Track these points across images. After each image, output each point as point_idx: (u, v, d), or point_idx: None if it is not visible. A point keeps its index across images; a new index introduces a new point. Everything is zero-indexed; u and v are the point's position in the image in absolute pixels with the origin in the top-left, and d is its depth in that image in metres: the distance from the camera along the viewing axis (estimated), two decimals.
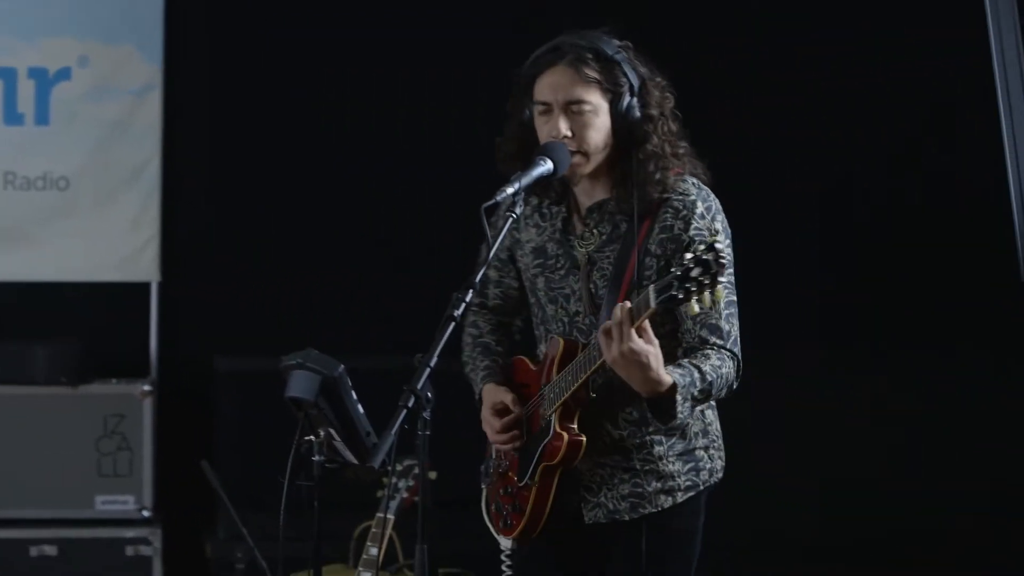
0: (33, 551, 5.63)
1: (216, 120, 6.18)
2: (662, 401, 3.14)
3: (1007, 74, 4.74)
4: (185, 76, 6.14)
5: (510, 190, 3.18)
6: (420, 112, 6.12)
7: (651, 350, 3.06)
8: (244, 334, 5.95)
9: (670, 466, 3.35)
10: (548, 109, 3.30)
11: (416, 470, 4.43)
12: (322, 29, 6.08)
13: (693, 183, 3.33)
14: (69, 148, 6.03)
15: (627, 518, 3.35)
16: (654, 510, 3.35)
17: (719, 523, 3.54)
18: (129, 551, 5.67)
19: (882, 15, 5.76)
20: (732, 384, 3.26)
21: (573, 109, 3.28)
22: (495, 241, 3.17)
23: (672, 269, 2.99)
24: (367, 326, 5.92)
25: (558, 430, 3.29)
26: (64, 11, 6.01)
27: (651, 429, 3.33)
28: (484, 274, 3.18)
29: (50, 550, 5.63)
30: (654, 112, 3.31)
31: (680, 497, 3.36)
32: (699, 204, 3.29)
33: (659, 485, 3.35)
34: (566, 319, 3.40)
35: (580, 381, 3.23)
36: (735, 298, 3.30)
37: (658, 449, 3.35)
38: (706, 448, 3.40)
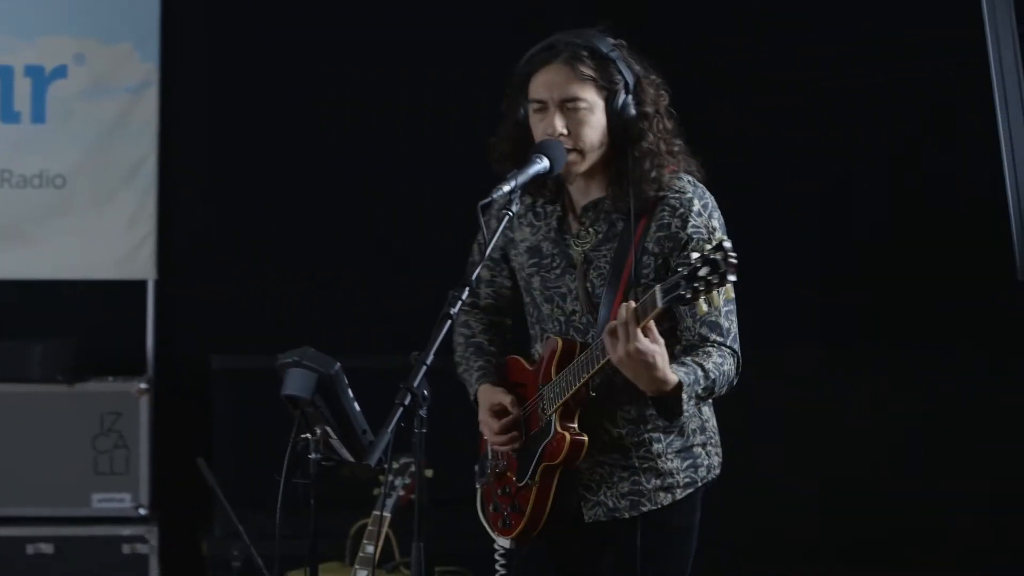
0: (30, 549, 5.62)
1: (213, 118, 6.17)
2: (667, 400, 3.15)
3: (1003, 75, 4.73)
4: (182, 74, 6.13)
5: (506, 188, 3.16)
6: (420, 112, 6.11)
7: (657, 349, 3.06)
8: (241, 332, 5.95)
9: (669, 463, 3.35)
10: (544, 107, 3.29)
11: (412, 468, 4.43)
12: (322, 29, 6.07)
13: (688, 180, 3.32)
14: (66, 146, 6.02)
15: (627, 516, 3.35)
16: (653, 507, 3.35)
17: (719, 522, 3.54)
18: (125, 549, 5.66)
19: (882, 15, 5.76)
20: (733, 381, 3.27)
21: (569, 107, 3.27)
22: (491, 239, 3.17)
23: (678, 269, 2.98)
24: (365, 325, 5.91)
25: (559, 430, 3.28)
26: (61, 9, 6.00)
27: (649, 427, 3.33)
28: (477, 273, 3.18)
29: (46, 548, 5.62)
30: (649, 110, 3.30)
31: (679, 494, 3.36)
32: (696, 202, 3.28)
33: (658, 482, 3.35)
34: (562, 318, 3.39)
35: (582, 381, 3.22)
36: (734, 295, 3.29)
37: (656, 447, 3.35)
38: (704, 445, 3.39)
